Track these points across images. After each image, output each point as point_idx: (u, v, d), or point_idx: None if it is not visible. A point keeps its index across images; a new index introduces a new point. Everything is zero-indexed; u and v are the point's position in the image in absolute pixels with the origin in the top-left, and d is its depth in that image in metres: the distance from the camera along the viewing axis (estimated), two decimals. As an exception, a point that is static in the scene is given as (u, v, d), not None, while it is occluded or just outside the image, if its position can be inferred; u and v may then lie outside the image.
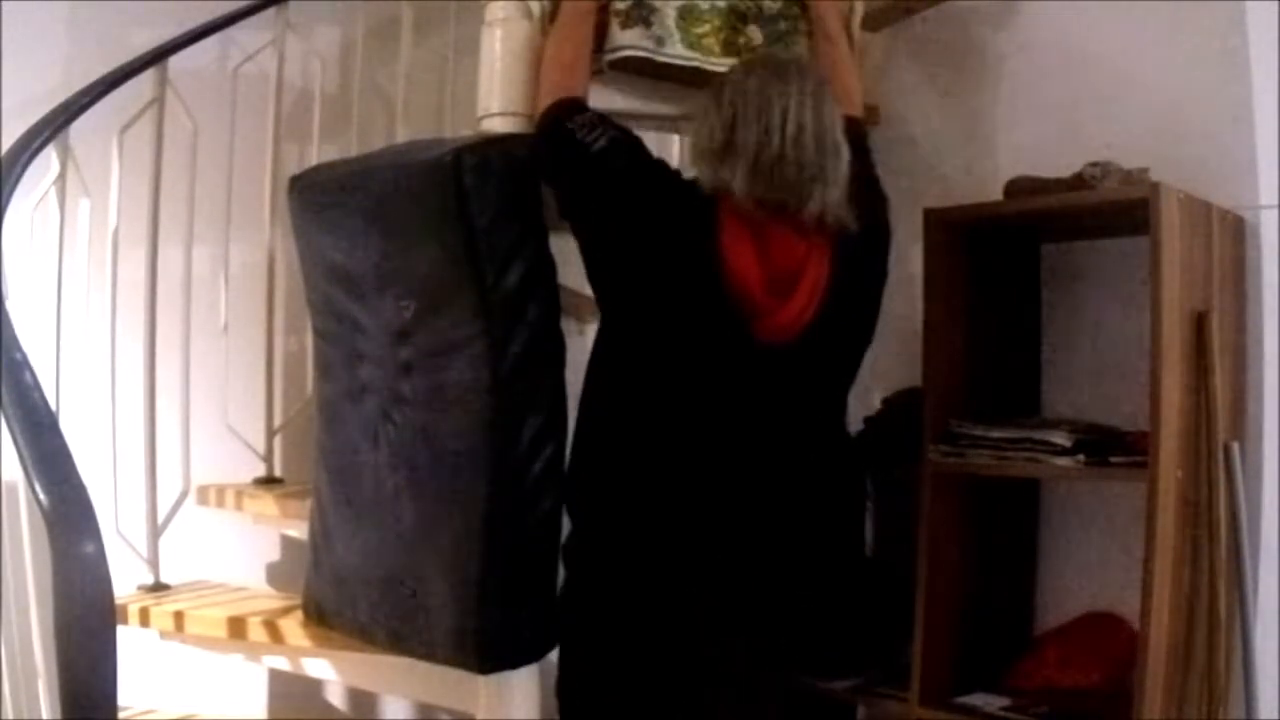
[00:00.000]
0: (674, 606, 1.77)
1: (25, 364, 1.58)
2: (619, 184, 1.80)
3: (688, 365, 1.77)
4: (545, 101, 1.87)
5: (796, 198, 1.70)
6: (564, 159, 1.82)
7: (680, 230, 1.75)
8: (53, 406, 1.76)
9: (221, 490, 2.64)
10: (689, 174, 1.83)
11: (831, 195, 1.72)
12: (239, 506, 2.61)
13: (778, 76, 1.75)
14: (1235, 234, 2.02)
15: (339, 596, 2.08)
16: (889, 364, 2.32)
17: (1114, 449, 1.94)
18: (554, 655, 1.89)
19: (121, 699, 1.35)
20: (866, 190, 1.85)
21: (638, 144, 1.85)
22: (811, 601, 1.92)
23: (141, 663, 2.31)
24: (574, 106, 1.85)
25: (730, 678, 1.83)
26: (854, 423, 2.30)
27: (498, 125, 1.95)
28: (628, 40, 1.97)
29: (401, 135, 2.79)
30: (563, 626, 1.85)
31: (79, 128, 2.27)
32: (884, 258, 1.92)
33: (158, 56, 2.44)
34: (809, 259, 1.75)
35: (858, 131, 1.97)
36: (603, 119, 1.84)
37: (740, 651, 1.82)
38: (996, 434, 2.02)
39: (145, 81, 2.44)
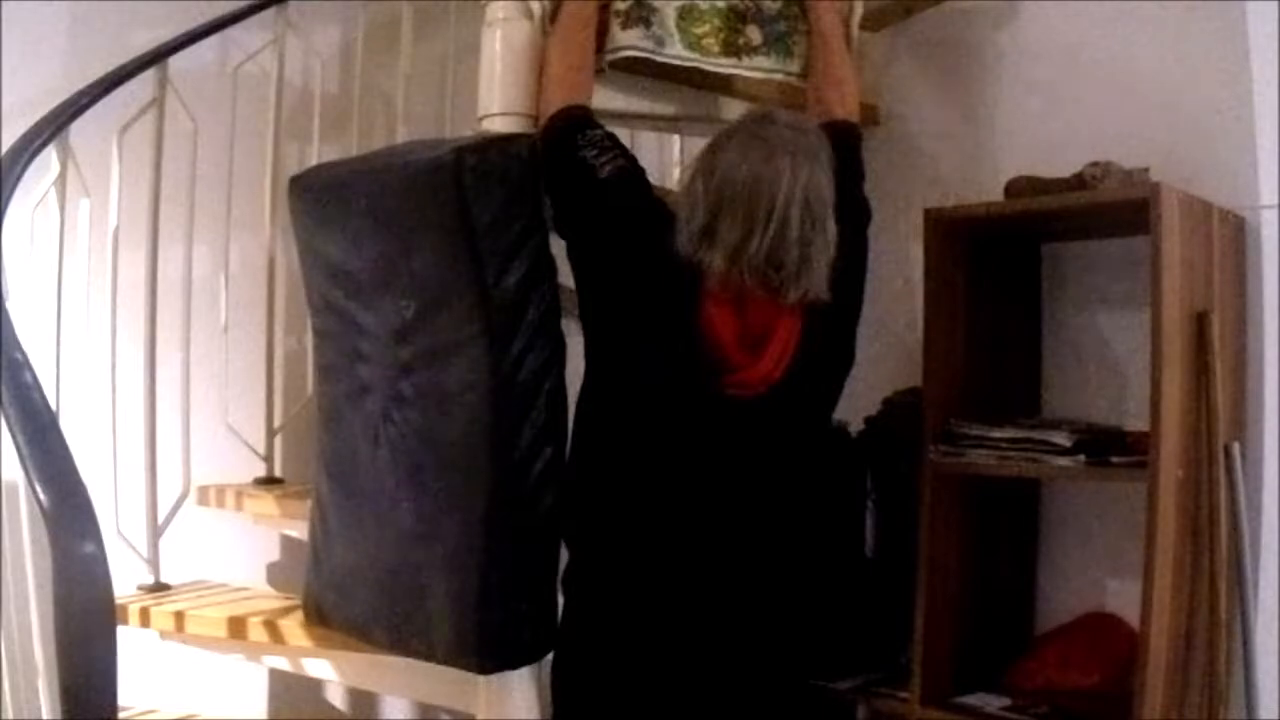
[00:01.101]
0: (668, 641, 1.77)
1: (25, 364, 1.58)
2: (617, 217, 1.80)
3: (658, 410, 1.77)
4: (551, 107, 1.86)
5: (776, 288, 1.68)
6: (567, 175, 1.82)
7: (666, 276, 1.73)
8: (53, 406, 1.76)
9: (221, 490, 2.64)
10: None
11: (813, 283, 1.69)
12: (239, 506, 2.61)
13: (767, 156, 1.67)
14: (1235, 234, 2.02)
15: (339, 596, 2.08)
16: (889, 364, 2.32)
17: (1114, 449, 1.95)
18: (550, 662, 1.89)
19: (121, 699, 1.35)
20: (849, 205, 1.82)
21: (642, 177, 1.84)
22: (810, 609, 1.92)
23: (141, 663, 2.31)
24: (583, 120, 1.84)
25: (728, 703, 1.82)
26: (854, 423, 2.31)
27: (498, 125, 1.95)
28: (628, 40, 1.97)
29: (401, 135, 2.79)
30: (560, 655, 1.84)
31: (79, 128, 2.27)
32: (860, 289, 1.90)
33: (158, 56, 2.44)
34: (780, 318, 1.74)
35: (851, 134, 1.97)
36: (612, 140, 1.83)
37: (738, 679, 1.81)
38: (996, 434, 2.02)
39: (145, 81, 2.44)
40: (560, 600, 1.86)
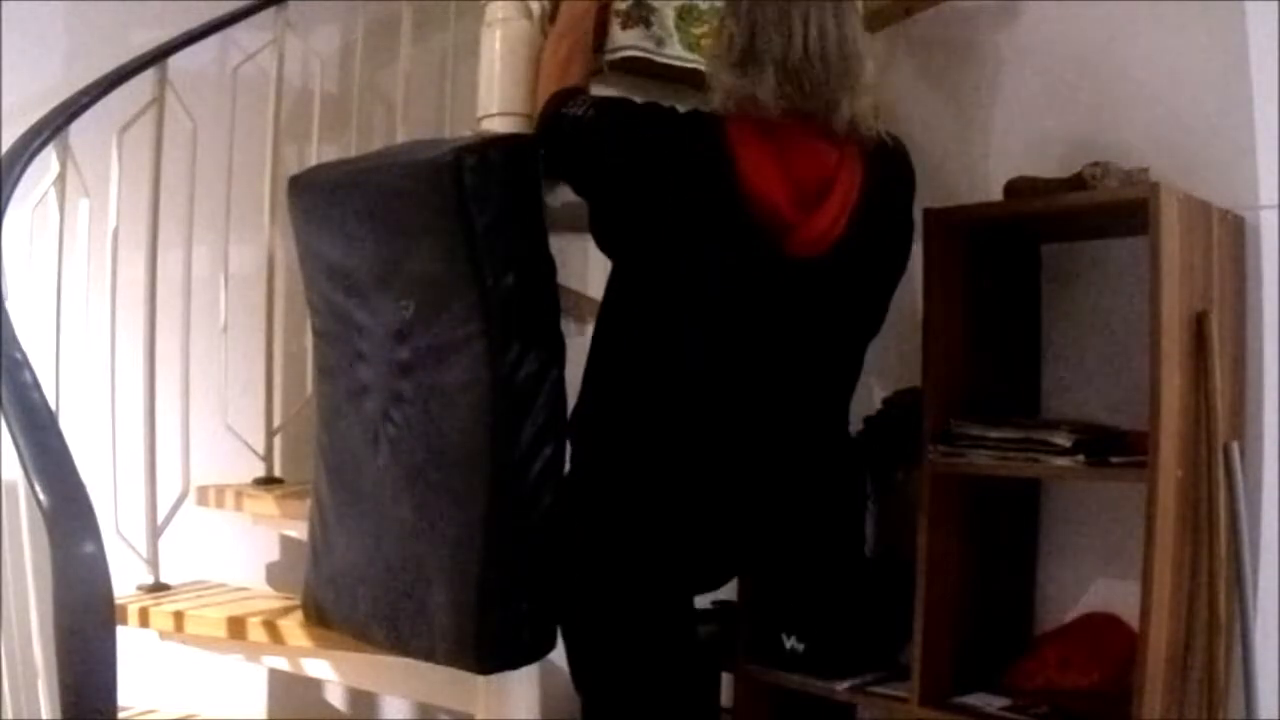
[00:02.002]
0: (675, 547, 1.77)
1: (25, 364, 1.58)
2: (618, 139, 1.78)
3: (715, 291, 1.73)
4: (544, 99, 1.87)
5: (825, 103, 1.67)
6: (561, 140, 1.82)
7: (691, 162, 1.72)
8: (53, 406, 1.76)
9: (221, 490, 2.64)
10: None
11: (860, 102, 1.69)
12: (239, 506, 2.61)
13: None
14: (1235, 234, 2.02)
15: (339, 596, 2.08)
16: (889, 364, 2.32)
17: (1114, 449, 1.95)
18: (553, 654, 1.89)
19: (121, 699, 1.35)
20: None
21: (625, 99, 1.84)
22: (812, 597, 1.92)
23: (141, 663, 2.31)
24: (568, 93, 1.85)
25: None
26: (854, 423, 2.30)
27: (498, 125, 1.95)
28: (628, 40, 1.97)
29: (401, 135, 2.78)
30: (560, 566, 1.83)
31: (79, 128, 2.27)
32: (910, 194, 1.89)
33: (158, 56, 2.44)
34: (840, 169, 1.72)
35: None
36: (593, 97, 1.84)
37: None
38: (996, 434, 2.02)
39: (145, 81, 2.44)
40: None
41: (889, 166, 1.79)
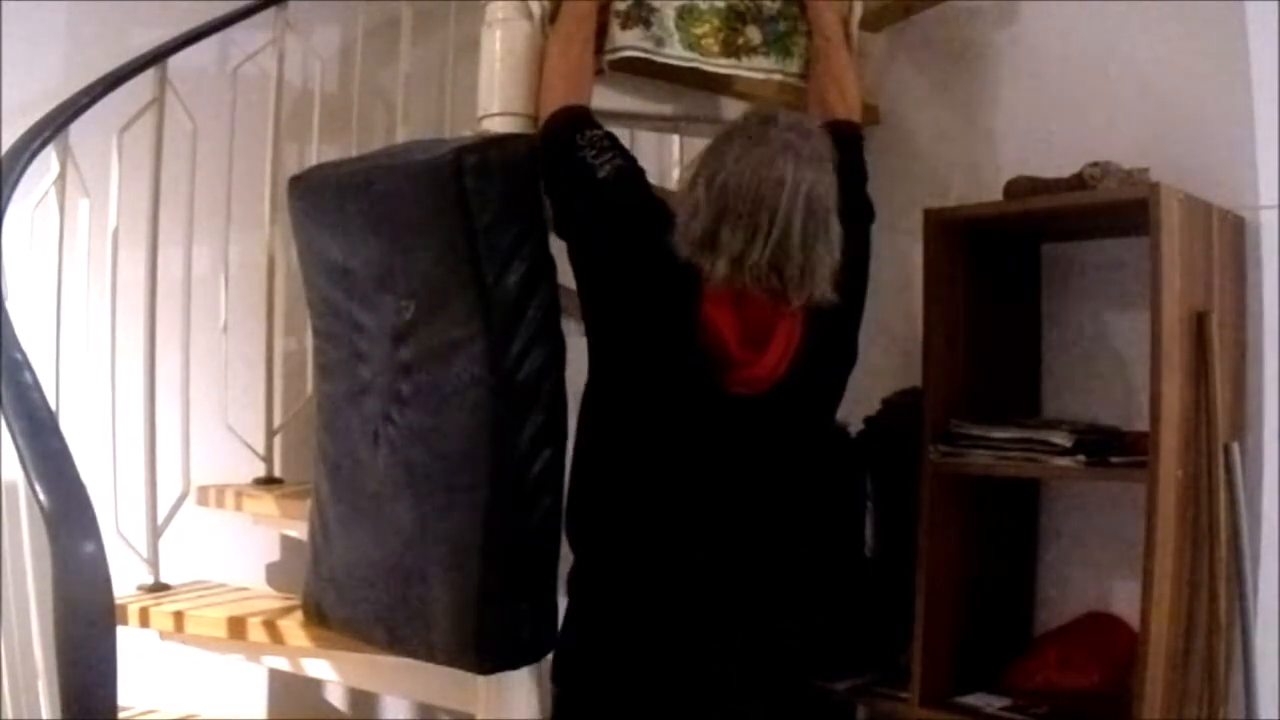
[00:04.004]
0: (672, 642, 1.76)
1: (25, 364, 1.58)
2: (616, 217, 1.79)
3: (662, 409, 1.77)
4: (550, 107, 1.86)
5: (780, 295, 1.67)
6: (566, 176, 1.81)
7: (666, 275, 1.71)
8: (53, 406, 1.76)
9: (221, 490, 2.64)
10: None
11: (816, 286, 1.67)
12: (239, 507, 2.61)
13: (769, 160, 1.64)
14: (1235, 234, 2.02)
15: (339, 596, 2.08)
16: (889, 364, 2.32)
17: (1114, 449, 1.94)
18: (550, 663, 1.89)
19: (121, 699, 1.35)
20: (852, 205, 1.79)
21: (641, 177, 1.83)
22: (811, 610, 1.92)
23: (141, 663, 2.31)
24: (582, 119, 1.83)
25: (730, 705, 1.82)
26: (854, 423, 2.31)
27: (498, 125, 1.95)
28: (628, 40, 1.96)
29: (401, 135, 2.79)
30: (562, 656, 1.84)
31: (79, 128, 2.27)
32: (862, 288, 1.90)
33: (157, 56, 2.44)
34: (781, 320, 1.72)
35: (853, 134, 1.97)
36: (611, 140, 1.82)
37: (741, 681, 1.81)
38: (996, 434, 2.02)
39: (145, 81, 2.44)
40: (564, 604, 1.85)
41: (832, 311, 1.73)
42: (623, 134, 1.94)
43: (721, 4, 2.03)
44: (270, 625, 2.27)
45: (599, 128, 1.84)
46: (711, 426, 1.76)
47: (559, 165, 1.82)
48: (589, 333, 1.83)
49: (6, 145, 2.13)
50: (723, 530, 1.78)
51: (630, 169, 1.82)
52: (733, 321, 1.71)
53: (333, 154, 2.69)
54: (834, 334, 1.82)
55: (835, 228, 1.68)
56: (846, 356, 1.89)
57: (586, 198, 1.80)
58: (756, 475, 1.80)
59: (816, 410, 1.89)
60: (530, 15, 1.95)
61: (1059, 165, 2.04)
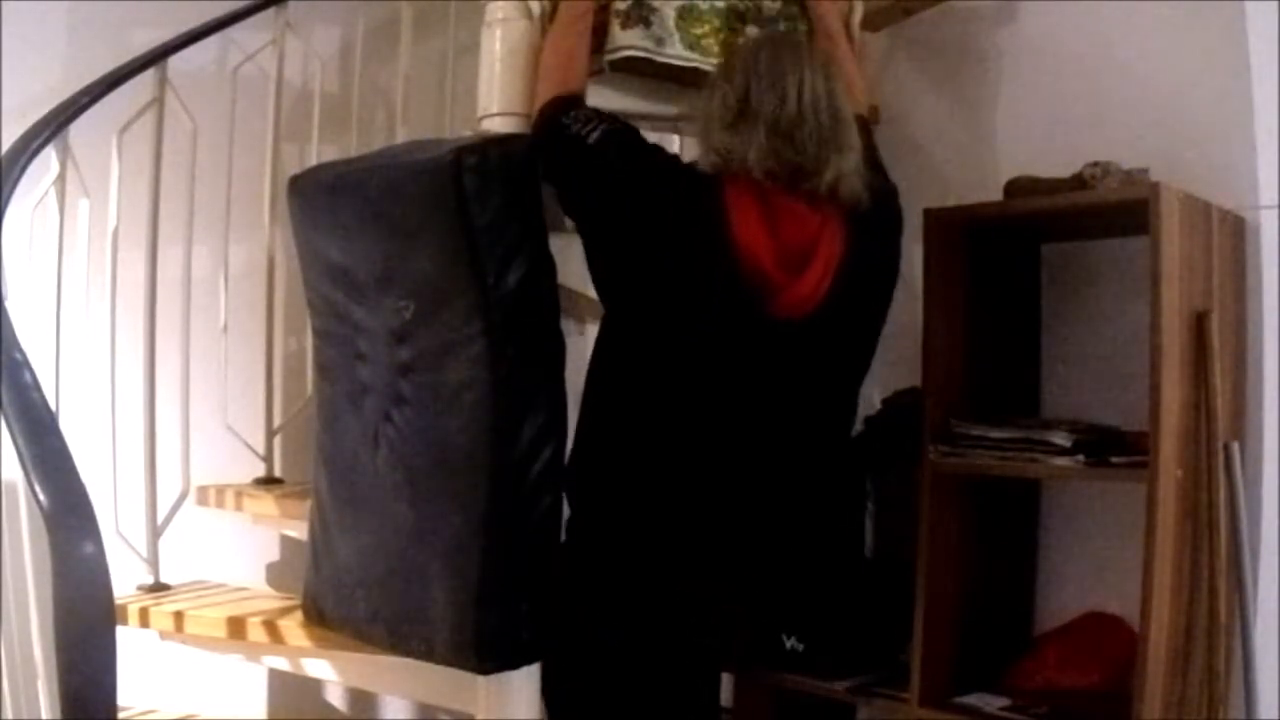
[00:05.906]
0: (674, 596, 1.77)
1: (25, 364, 1.58)
2: (618, 173, 1.79)
3: (701, 346, 1.75)
4: (543, 100, 1.87)
5: (813, 163, 1.70)
6: (561, 154, 1.82)
7: (685, 212, 1.74)
8: (53, 406, 1.76)
9: (221, 490, 2.64)
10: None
11: (846, 164, 1.72)
12: (239, 506, 2.61)
13: (788, 49, 1.77)
14: (1235, 234, 2.03)
15: (339, 596, 2.08)
16: (889, 364, 2.32)
17: (1114, 449, 1.95)
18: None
19: (121, 699, 1.35)
20: (876, 177, 1.85)
21: (633, 131, 1.84)
22: (812, 600, 1.93)
23: (141, 663, 2.31)
24: (570, 102, 1.85)
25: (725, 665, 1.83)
26: (854, 423, 2.31)
27: (498, 125, 1.95)
28: (628, 40, 1.97)
29: (401, 135, 2.79)
30: (555, 620, 1.84)
31: (79, 128, 2.27)
32: (896, 240, 1.92)
33: (157, 56, 2.44)
34: (823, 232, 1.74)
35: (863, 127, 1.97)
36: (597, 113, 1.83)
37: (738, 639, 1.82)
38: (996, 434, 2.02)
39: (145, 81, 2.44)
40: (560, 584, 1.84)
41: (873, 223, 1.81)
42: (623, 134, 1.94)
43: (721, 4, 2.04)
44: (270, 625, 2.27)
45: (585, 106, 1.85)
46: (756, 354, 1.75)
47: (551, 146, 1.83)
48: (606, 297, 1.82)
49: (6, 145, 2.12)
50: (759, 471, 1.78)
51: (620, 129, 1.82)
52: (768, 243, 1.71)
53: (332, 154, 2.69)
54: (874, 251, 1.83)
55: (854, 128, 1.75)
56: (889, 272, 1.89)
57: (584, 165, 1.81)
58: (798, 408, 1.80)
59: (862, 333, 1.87)
60: (530, 15, 1.95)
61: (1059, 165, 2.04)
